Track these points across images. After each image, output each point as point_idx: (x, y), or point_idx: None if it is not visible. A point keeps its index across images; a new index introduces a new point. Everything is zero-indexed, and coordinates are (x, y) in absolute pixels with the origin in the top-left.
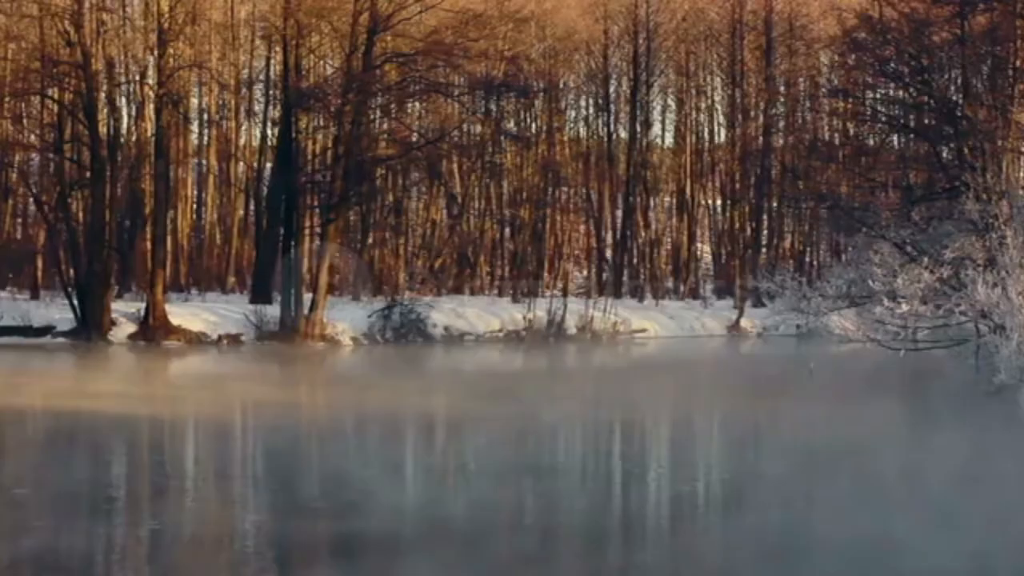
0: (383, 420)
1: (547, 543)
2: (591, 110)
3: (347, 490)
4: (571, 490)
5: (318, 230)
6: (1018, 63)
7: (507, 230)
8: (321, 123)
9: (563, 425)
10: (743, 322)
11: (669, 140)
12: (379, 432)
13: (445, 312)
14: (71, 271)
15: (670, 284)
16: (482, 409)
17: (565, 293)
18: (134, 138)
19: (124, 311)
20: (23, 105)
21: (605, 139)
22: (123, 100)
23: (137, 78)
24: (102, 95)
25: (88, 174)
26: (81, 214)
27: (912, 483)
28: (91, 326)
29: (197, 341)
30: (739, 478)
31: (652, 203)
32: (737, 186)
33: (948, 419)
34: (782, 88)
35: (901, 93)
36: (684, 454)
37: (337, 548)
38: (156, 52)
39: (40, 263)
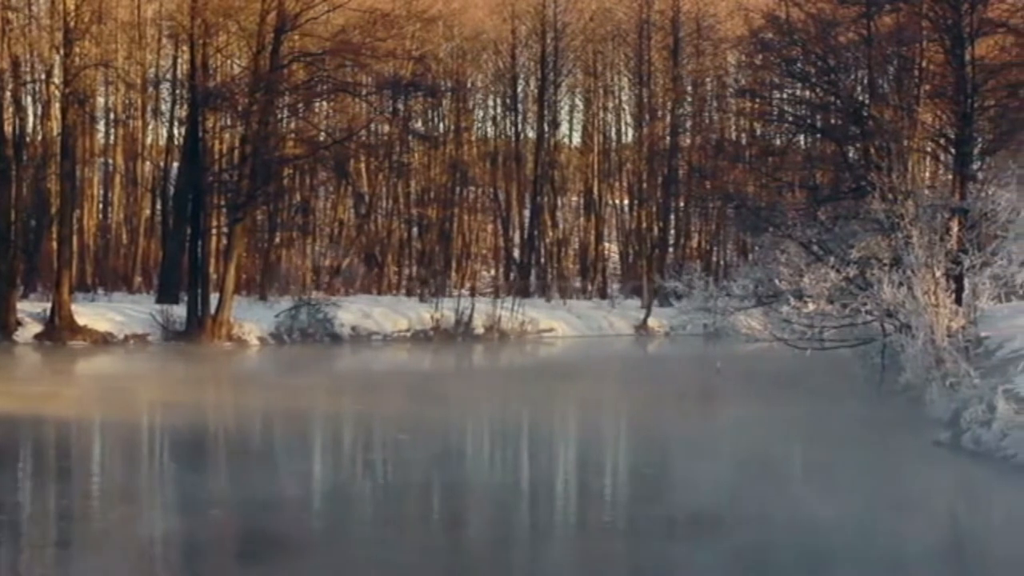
0: (276, 422)
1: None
2: (499, 110)
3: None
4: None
5: (225, 229)
6: (924, 64)
7: (415, 230)
8: (228, 122)
9: (456, 427)
10: (651, 321)
11: (577, 140)
12: (271, 434)
13: (352, 312)
14: None
15: (578, 284)
16: (379, 410)
17: (473, 293)
18: (40, 137)
19: (30, 311)
20: None
21: (513, 139)
22: (29, 99)
23: (43, 77)
24: (7, 94)
25: None
26: None
27: (801, 484)
28: None
29: (103, 341)
30: (615, 478)
31: (560, 203)
32: (644, 186)
33: (853, 418)
34: (689, 88)
35: (808, 93)
36: (573, 454)
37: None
38: (62, 51)
39: None
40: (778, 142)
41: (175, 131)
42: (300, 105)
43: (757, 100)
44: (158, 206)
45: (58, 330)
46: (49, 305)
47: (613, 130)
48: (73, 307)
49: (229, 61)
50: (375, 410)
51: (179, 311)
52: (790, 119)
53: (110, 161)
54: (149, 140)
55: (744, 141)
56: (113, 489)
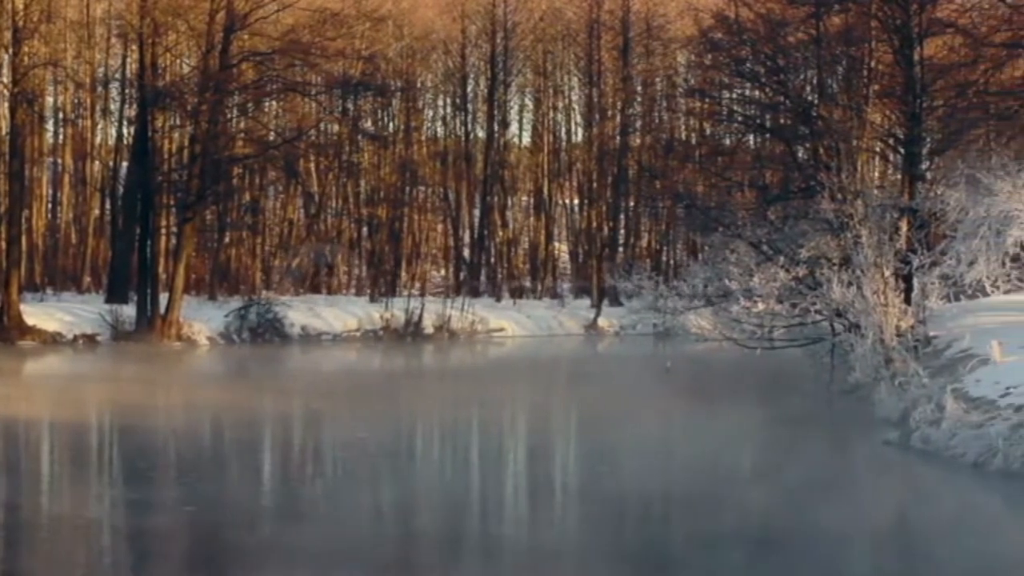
0: (224, 424)
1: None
2: (449, 109)
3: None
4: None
5: (174, 229)
6: (873, 64)
7: (364, 229)
8: (177, 122)
9: (406, 428)
10: (601, 321)
11: (526, 139)
12: (220, 436)
13: (302, 311)
14: None
15: (528, 283)
16: (329, 411)
17: (423, 292)
18: None
19: None
20: None
21: (463, 138)
22: None
23: None
24: None
25: None
26: None
27: (747, 484)
28: None
29: (52, 341)
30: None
31: (509, 202)
32: (594, 185)
33: (802, 417)
34: (639, 88)
35: (757, 93)
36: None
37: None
38: (11, 50)
39: None
40: (728, 142)
41: (124, 131)
42: (250, 104)
43: (707, 100)
44: (107, 206)
45: (7, 330)
46: None
47: (563, 130)
48: (22, 307)
49: (178, 60)
50: (324, 411)
51: (129, 311)
52: (739, 119)
53: (59, 161)
54: (98, 140)
55: (694, 141)
56: (58, 487)
